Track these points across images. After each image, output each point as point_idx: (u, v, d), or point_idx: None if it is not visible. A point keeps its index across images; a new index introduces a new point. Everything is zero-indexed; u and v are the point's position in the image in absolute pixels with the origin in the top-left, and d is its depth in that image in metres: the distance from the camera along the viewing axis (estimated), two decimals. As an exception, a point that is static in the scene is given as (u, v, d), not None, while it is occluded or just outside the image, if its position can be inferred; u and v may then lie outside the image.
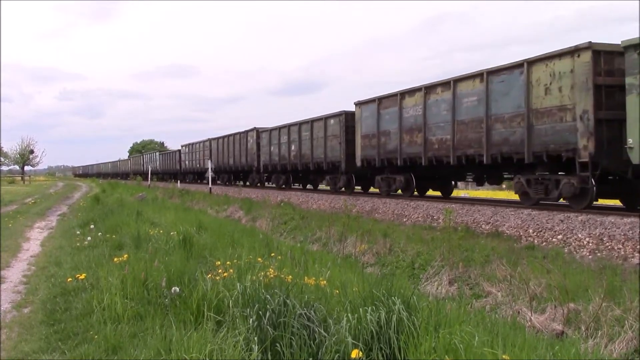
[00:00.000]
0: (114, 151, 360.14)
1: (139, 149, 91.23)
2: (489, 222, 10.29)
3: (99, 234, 9.95)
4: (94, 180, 65.98)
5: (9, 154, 75.15)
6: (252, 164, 27.25)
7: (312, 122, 20.38)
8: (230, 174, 33.13)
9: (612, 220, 8.60)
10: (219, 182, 33.39)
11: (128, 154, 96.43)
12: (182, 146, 42.50)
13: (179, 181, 39.98)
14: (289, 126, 22.51)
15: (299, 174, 23.51)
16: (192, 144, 39.11)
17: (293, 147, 22.03)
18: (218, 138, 33.20)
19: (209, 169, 30.10)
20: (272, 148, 24.41)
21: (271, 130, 24.70)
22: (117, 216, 12.49)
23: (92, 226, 11.38)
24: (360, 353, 3.26)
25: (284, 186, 24.34)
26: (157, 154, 53.75)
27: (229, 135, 31.09)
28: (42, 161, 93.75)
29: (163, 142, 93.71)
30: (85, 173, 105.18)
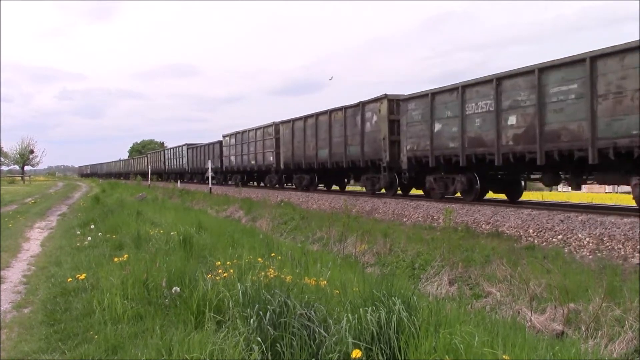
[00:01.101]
0: (114, 151, 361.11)
1: (138, 149, 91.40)
2: (489, 222, 10.29)
3: (99, 234, 9.94)
4: (94, 180, 65.99)
5: (9, 154, 75.23)
6: (377, 157, 16.45)
7: (591, 59, 9.15)
8: (313, 174, 21.64)
9: (612, 220, 8.60)
10: (289, 184, 23.94)
11: (128, 153, 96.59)
12: (224, 136, 32.29)
13: (179, 182, 39.63)
14: (493, 79, 11.46)
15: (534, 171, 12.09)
16: (242, 132, 28.87)
17: (515, 120, 11.04)
18: (294, 120, 22.13)
19: (209, 169, 30.18)
20: (436, 127, 13.53)
21: (434, 93, 13.58)
22: (117, 216, 12.48)
23: (92, 226, 11.37)
24: (361, 353, 3.27)
25: (460, 194, 13.71)
26: (185, 148, 41.70)
27: (318, 114, 20.20)
28: (42, 161, 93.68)
29: (163, 142, 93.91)
30: (93, 172, 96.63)
